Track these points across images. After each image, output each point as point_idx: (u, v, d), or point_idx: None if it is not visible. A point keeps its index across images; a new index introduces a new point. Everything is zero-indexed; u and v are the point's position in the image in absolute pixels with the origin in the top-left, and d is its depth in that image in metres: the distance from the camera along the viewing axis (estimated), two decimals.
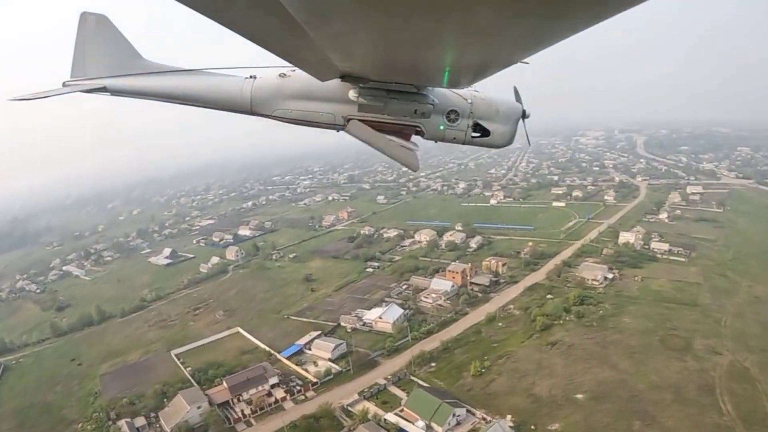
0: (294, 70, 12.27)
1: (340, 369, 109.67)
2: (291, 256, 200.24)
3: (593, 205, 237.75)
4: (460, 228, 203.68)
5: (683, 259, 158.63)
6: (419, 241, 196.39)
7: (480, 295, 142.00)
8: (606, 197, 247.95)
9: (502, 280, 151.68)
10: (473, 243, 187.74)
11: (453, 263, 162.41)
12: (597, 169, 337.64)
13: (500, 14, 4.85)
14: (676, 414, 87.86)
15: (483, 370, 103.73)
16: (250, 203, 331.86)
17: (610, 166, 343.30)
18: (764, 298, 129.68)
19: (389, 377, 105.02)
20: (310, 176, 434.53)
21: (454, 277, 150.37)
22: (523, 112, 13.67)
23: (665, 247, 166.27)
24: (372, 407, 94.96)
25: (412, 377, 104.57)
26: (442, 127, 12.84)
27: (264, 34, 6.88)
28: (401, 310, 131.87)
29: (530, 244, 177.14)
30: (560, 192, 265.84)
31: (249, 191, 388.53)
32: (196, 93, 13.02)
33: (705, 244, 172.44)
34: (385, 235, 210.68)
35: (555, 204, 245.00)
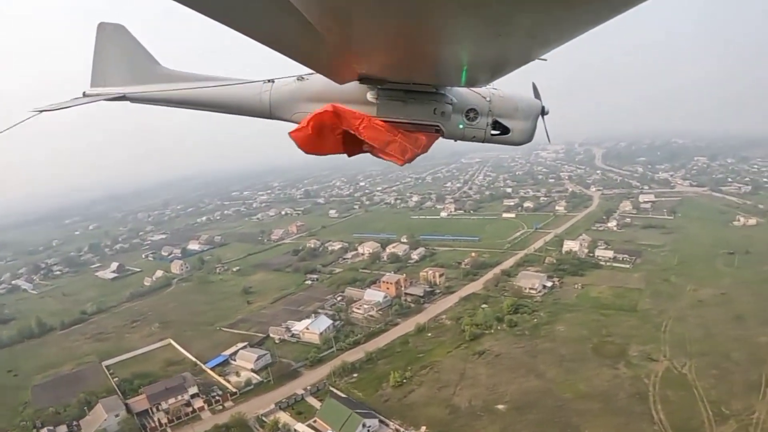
0: (312, 74, 12.07)
1: (260, 379, 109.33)
2: (235, 269, 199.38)
3: (543, 215, 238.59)
4: (404, 240, 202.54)
5: (627, 266, 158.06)
6: (362, 254, 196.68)
7: (413, 305, 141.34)
8: (557, 207, 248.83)
9: (437, 291, 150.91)
10: (415, 255, 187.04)
11: (387, 274, 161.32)
12: (552, 181, 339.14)
13: (516, 10, 4.88)
14: (603, 424, 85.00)
15: (404, 381, 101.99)
16: (204, 218, 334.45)
17: (566, 177, 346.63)
18: (708, 301, 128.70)
19: (308, 388, 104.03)
20: (269, 191, 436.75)
21: (388, 288, 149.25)
22: (542, 108, 13.37)
23: (610, 254, 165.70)
24: (286, 417, 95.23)
25: (330, 387, 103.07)
26: (461, 126, 12.62)
27: (280, 39, 6.84)
28: (330, 321, 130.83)
29: (473, 254, 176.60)
30: (512, 203, 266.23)
31: (206, 206, 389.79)
32: (215, 99, 13.17)
33: (651, 250, 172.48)
34: (330, 248, 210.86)
35: (505, 215, 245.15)
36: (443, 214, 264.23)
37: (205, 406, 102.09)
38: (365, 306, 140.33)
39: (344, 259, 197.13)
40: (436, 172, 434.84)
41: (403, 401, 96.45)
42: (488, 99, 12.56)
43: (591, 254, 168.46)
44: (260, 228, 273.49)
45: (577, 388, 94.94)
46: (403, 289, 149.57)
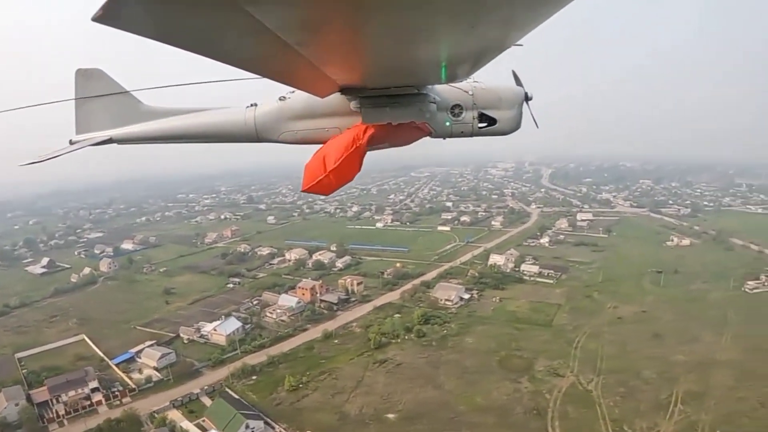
0: (293, 92, 12.23)
1: (161, 377, 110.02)
2: (162, 270, 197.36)
3: (478, 229, 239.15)
4: (333, 248, 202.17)
5: (551, 281, 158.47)
6: (288, 260, 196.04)
7: (326, 312, 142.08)
8: (493, 223, 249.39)
9: (353, 299, 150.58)
10: (340, 263, 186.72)
11: (304, 280, 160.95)
12: (495, 197, 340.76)
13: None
14: None
15: (299, 386, 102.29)
16: (144, 219, 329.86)
17: (509, 194, 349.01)
18: (628, 318, 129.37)
19: (205, 387, 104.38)
20: (214, 195, 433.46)
21: (303, 294, 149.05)
22: (526, 94, 13.22)
23: (535, 269, 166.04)
24: (178, 415, 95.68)
25: (226, 388, 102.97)
26: (448, 123, 12.59)
27: (258, 62, 6.94)
28: (239, 324, 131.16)
29: (397, 265, 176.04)
30: (449, 217, 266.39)
31: (149, 207, 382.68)
32: (201, 130, 13.25)
33: (579, 266, 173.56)
34: (259, 253, 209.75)
35: (440, 228, 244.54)
36: (379, 224, 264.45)
37: (103, 401, 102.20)
38: (278, 311, 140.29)
39: (270, 264, 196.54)
40: (383, 185, 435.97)
41: (295, 405, 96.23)
42: (471, 93, 12.57)
43: (516, 269, 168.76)
44: (197, 231, 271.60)
45: (473, 400, 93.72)
46: (318, 295, 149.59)
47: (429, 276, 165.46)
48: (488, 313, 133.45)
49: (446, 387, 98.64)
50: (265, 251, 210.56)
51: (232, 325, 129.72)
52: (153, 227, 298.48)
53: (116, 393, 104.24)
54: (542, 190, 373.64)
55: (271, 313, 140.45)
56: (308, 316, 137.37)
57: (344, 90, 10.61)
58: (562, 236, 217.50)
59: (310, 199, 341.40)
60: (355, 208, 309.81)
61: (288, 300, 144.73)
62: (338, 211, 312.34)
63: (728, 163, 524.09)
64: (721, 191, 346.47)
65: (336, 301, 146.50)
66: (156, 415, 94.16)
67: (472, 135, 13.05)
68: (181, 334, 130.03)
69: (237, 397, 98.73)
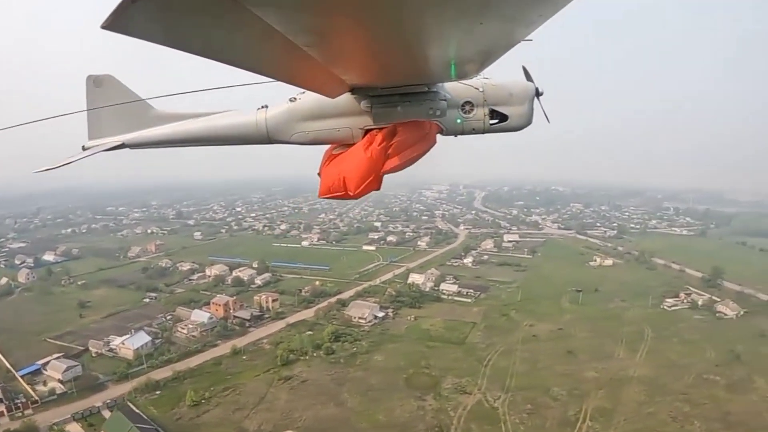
0: (303, 93, 12.19)
1: (65, 390, 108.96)
2: (80, 283, 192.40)
3: (404, 249, 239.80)
4: (255, 265, 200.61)
5: (469, 300, 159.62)
6: (208, 276, 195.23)
7: (238, 328, 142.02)
8: (419, 243, 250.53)
9: (267, 316, 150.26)
10: (259, 280, 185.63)
11: (218, 296, 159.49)
12: (426, 218, 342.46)
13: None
14: None
15: (201, 401, 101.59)
16: (70, 230, 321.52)
17: (439, 216, 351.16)
18: (543, 336, 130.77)
19: (107, 401, 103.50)
20: (144, 209, 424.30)
21: (216, 310, 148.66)
22: (536, 90, 13.07)
23: (454, 288, 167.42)
24: (77, 428, 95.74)
25: (128, 402, 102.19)
26: (459, 121, 12.43)
27: (267, 65, 7.07)
28: (148, 338, 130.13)
29: (317, 283, 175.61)
30: (376, 237, 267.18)
31: (77, 219, 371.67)
32: (212, 133, 13.21)
33: (499, 286, 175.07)
34: (180, 269, 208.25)
35: (365, 248, 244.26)
36: (305, 243, 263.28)
37: (5, 412, 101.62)
38: (190, 326, 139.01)
39: (190, 280, 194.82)
40: (315, 204, 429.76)
41: (195, 421, 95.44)
42: (481, 89, 12.43)
43: (436, 288, 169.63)
44: (121, 244, 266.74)
45: (375, 418, 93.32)
46: (231, 311, 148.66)
47: (347, 294, 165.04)
48: (401, 332, 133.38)
49: (349, 404, 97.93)
50: (186, 267, 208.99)
51: (141, 339, 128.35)
52: (78, 239, 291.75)
53: (18, 405, 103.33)
54: (473, 212, 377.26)
55: (182, 328, 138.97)
56: (219, 332, 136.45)
57: (354, 90, 10.87)
58: (486, 257, 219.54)
59: (239, 216, 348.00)
60: (283, 226, 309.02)
61: (201, 315, 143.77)
62: (266, 228, 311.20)
63: (658, 188, 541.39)
64: (649, 214, 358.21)
65: (249, 318, 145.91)
66: (55, 428, 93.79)
67: (483, 132, 12.92)
68: (90, 348, 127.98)
69: (137, 411, 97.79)
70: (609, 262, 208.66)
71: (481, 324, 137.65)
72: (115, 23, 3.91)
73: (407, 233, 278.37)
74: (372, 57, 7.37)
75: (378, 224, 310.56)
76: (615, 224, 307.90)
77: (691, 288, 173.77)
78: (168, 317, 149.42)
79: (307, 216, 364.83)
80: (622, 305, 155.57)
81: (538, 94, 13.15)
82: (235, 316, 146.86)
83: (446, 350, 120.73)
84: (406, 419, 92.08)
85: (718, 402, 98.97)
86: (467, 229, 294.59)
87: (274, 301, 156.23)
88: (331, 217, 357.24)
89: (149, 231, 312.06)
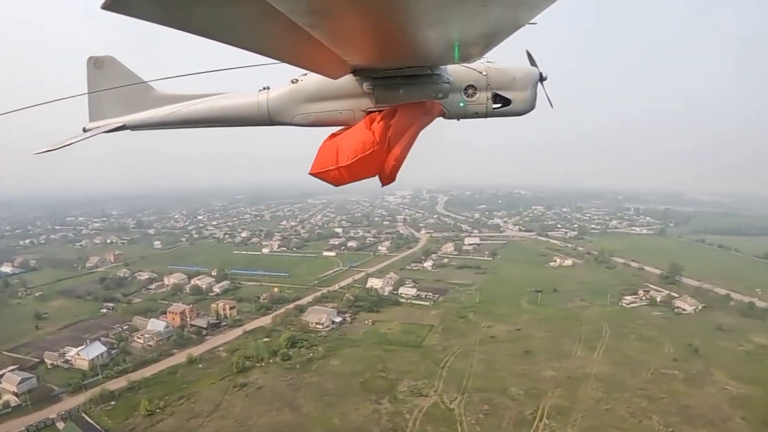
0: (305, 74, 12.26)
1: (20, 402, 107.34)
2: (37, 294, 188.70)
3: (364, 254, 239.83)
4: (213, 273, 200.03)
5: (428, 303, 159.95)
6: (166, 285, 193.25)
7: (195, 336, 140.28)
8: (380, 248, 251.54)
9: (224, 323, 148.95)
10: (218, 288, 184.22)
11: (175, 305, 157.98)
12: (387, 223, 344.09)
13: None
14: None
15: (156, 410, 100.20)
16: (28, 241, 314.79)
17: (401, 220, 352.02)
18: (501, 337, 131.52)
19: (61, 413, 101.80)
20: (104, 219, 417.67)
21: (173, 319, 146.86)
22: (540, 74, 13.13)
23: (413, 292, 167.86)
24: None
25: (83, 414, 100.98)
26: (461, 104, 12.53)
27: (269, 45, 7.13)
28: (103, 349, 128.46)
29: (275, 289, 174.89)
30: (336, 243, 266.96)
31: (35, 229, 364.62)
32: (214, 114, 13.22)
33: (458, 288, 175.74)
34: (138, 278, 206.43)
35: (326, 254, 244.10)
36: (265, 250, 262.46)
37: None
38: (146, 335, 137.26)
39: (148, 289, 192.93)
40: (277, 211, 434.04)
41: (149, 430, 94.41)
42: (484, 73, 12.48)
43: (394, 292, 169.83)
44: (79, 255, 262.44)
45: (330, 422, 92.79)
46: (188, 319, 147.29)
47: (305, 300, 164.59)
48: (358, 336, 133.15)
49: (304, 410, 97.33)
50: (144, 276, 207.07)
51: (97, 349, 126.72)
52: (36, 250, 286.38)
53: None
54: (435, 216, 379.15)
55: (139, 338, 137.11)
56: (176, 341, 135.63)
57: (357, 71, 10.89)
58: (446, 260, 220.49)
59: (201, 225, 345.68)
60: (244, 234, 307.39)
61: (157, 325, 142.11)
62: (227, 236, 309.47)
63: (619, 190, 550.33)
64: (610, 215, 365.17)
65: (206, 326, 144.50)
66: None
67: (486, 116, 13.01)
68: (46, 359, 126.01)
69: (91, 422, 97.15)
70: (569, 262, 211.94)
71: (439, 327, 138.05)
72: (115, 3, 4.03)
73: (368, 238, 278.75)
74: (375, 38, 7.40)
75: (339, 230, 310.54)
76: (576, 225, 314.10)
77: (649, 285, 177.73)
78: (125, 327, 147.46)
79: (268, 223, 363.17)
80: (581, 304, 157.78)
81: (541, 78, 13.27)
82: (191, 325, 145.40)
83: (403, 353, 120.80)
84: (361, 423, 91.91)
85: (677, 396, 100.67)
86: (429, 233, 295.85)
87: (231, 308, 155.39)
88: (292, 223, 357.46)
89: (108, 241, 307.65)
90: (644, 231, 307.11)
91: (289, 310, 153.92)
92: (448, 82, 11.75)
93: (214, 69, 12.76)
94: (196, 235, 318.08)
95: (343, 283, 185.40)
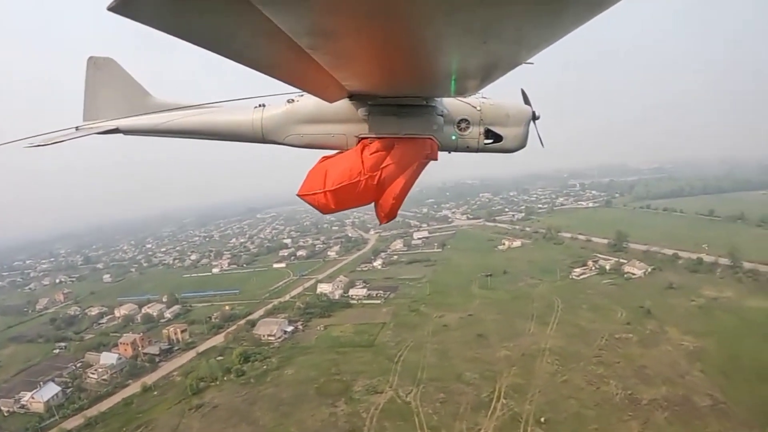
0: (302, 95, 12.19)
1: None
2: None
3: (314, 262, 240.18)
4: (164, 300, 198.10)
5: (379, 302, 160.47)
6: (117, 317, 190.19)
7: (148, 364, 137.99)
8: (329, 253, 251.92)
9: (176, 348, 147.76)
10: (169, 313, 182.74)
11: (125, 335, 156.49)
12: (336, 228, 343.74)
13: (502, 16, 5.07)
14: None
15: None
16: None
17: (349, 224, 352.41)
18: (453, 325, 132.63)
19: None
20: (52, 259, 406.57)
21: (125, 350, 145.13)
22: (533, 113, 13.35)
23: (363, 292, 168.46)
24: None
25: None
26: (454, 137, 12.58)
27: (269, 63, 7.12)
28: (57, 389, 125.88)
29: (226, 307, 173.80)
30: (286, 253, 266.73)
31: None
32: (207, 127, 13.16)
33: (409, 283, 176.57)
34: (89, 314, 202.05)
35: (276, 266, 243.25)
36: (215, 270, 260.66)
37: None
38: (99, 370, 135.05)
39: (99, 324, 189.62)
40: (226, 230, 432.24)
41: None
42: (478, 108, 12.53)
43: (345, 294, 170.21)
44: (29, 298, 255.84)
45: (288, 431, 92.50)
46: (140, 348, 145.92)
47: (257, 314, 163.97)
48: (311, 343, 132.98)
49: (261, 422, 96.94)
50: (94, 311, 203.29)
51: (51, 390, 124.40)
52: None
53: None
54: None
55: (93, 373, 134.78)
56: (129, 371, 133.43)
57: (353, 97, 10.91)
58: (395, 257, 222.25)
59: (150, 253, 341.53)
60: (193, 257, 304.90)
61: (109, 358, 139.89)
62: (177, 261, 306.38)
63: (563, 168, 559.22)
64: (556, 193, 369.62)
65: (158, 353, 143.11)
66: None
67: (477, 150, 13.02)
68: (1, 407, 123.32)
69: None
70: (517, 243, 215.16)
71: (391, 323, 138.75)
72: (121, 6, 4.00)
73: (318, 245, 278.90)
74: (374, 64, 7.41)
75: (288, 241, 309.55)
76: (523, 207, 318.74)
77: (598, 255, 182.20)
78: (78, 365, 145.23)
79: (218, 243, 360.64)
80: (532, 282, 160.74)
81: (534, 117, 13.40)
82: (144, 353, 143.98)
83: (357, 354, 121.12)
84: (318, 428, 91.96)
85: (632, 358, 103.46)
86: (377, 232, 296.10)
87: (182, 331, 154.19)
88: (242, 240, 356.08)
89: (57, 281, 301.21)
90: (590, 204, 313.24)
91: (241, 326, 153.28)
92: (442, 115, 11.95)
93: (214, 102, 13.25)
94: (145, 264, 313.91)
95: (294, 293, 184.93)
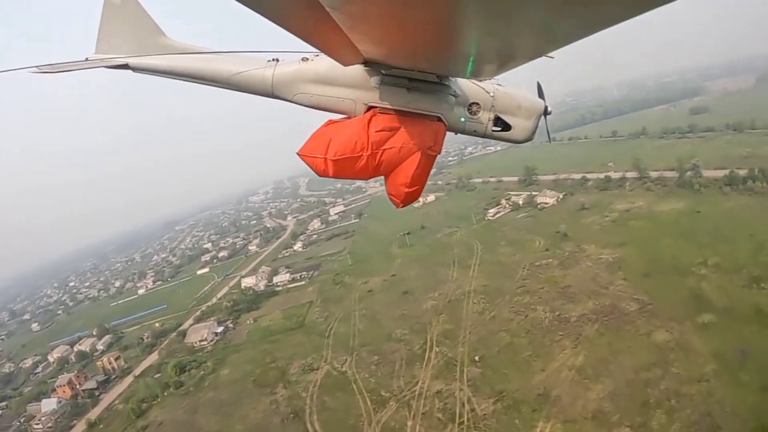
0: (317, 55, 11.68)
1: None
2: None
3: (237, 260, 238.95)
4: (94, 333, 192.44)
5: (303, 283, 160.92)
6: (52, 362, 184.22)
7: (89, 400, 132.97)
8: (250, 247, 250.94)
9: (113, 376, 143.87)
10: (101, 345, 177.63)
11: (60, 377, 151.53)
12: (255, 222, 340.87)
13: (534, 2, 4.81)
14: None
15: None
16: None
17: (266, 215, 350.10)
18: (377, 288, 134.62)
19: None
20: None
21: (63, 392, 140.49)
22: (545, 108, 12.88)
23: (287, 277, 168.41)
24: None
25: None
26: (463, 119, 12.15)
27: (286, 15, 6.81)
28: None
29: (156, 324, 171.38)
30: (208, 258, 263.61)
31: None
32: (217, 74, 12.55)
33: (330, 258, 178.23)
34: (24, 367, 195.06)
35: (200, 272, 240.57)
36: (141, 291, 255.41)
37: None
38: (43, 419, 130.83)
39: (35, 374, 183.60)
40: (146, 249, 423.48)
41: None
42: (492, 94, 12.16)
43: (270, 284, 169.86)
44: None
45: (234, 429, 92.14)
46: (78, 387, 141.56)
47: (186, 324, 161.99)
48: (243, 339, 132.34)
49: (205, 428, 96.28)
50: (28, 363, 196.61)
51: None
52: None
53: None
54: (299, 200, 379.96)
55: (37, 423, 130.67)
56: (72, 412, 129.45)
57: (367, 63, 10.63)
58: (315, 236, 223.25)
59: (74, 291, 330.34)
60: (117, 283, 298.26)
61: (50, 404, 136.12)
62: (102, 292, 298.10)
63: None
64: (464, 144, 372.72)
65: (96, 386, 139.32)
66: None
67: (484, 136, 12.71)
68: None
69: None
70: (431, 198, 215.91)
71: (318, 300, 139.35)
72: None
73: (238, 243, 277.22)
74: (393, 33, 7.23)
75: (209, 245, 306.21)
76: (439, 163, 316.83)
77: (510, 193, 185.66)
78: (21, 419, 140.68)
79: (140, 264, 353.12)
80: (449, 231, 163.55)
81: (546, 112, 13.02)
82: (83, 390, 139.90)
83: (288, 338, 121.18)
84: (261, 419, 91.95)
85: (556, 281, 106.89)
86: (295, 217, 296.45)
87: (116, 359, 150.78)
88: (163, 255, 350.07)
89: None
90: (498, 148, 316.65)
91: (173, 339, 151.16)
92: (455, 95, 11.64)
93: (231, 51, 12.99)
94: (71, 303, 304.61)
95: (220, 294, 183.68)
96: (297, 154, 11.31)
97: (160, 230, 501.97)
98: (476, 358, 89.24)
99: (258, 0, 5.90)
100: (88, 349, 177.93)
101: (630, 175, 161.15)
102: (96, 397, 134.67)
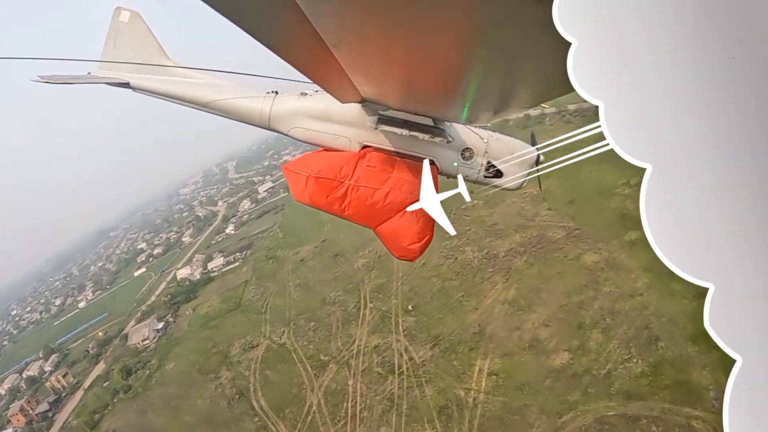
0: (316, 91, 11.96)
1: None
2: None
3: (172, 254, 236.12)
4: (41, 355, 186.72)
5: (238, 264, 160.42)
6: (3, 394, 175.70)
7: (44, 423, 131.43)
8: (184, 239, 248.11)
9: (64, 394, 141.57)
10: (49, 366, 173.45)
11: (12, 406, 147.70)
12: (186, 213, 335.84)
13: (533, 55, 5.15)
14: None
15: None
16: None
17: (197, 204, 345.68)
18: (309, 257, 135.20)
19: None
20: None
21: (17, 420, 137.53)
22: (538, 157, 12.98)
23: (221, 261, 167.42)
24: None
25: None
26: (455, 164, 12.37)
27: (289, 49, 6.94)
28: None
29: (100, 334, 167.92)
30: (143, 258, 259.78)
31: None
32: (215, 103, 12.63)
33: (262, 236, 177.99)
34: None
35: (137, 273, 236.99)
36: (81, 304, 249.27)
37: None
38: None
39: None
40: (84, 261, 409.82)
41: None
42: (485, 140, 12.40)
43: (205, 271, 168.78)
44: None
45: (183, 422, 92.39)
46: (31, 412, 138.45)
47: (129, 327, 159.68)
48: (184, 330, 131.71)
49: (157, 426, 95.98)
50: None
51: None
52: None
53: None
54: (228, 184, 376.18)
55: None
56: None
57: (365, 103, 10.62)
58: (245, 216, 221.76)
59: (17, 319, 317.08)
60: (57, 302, 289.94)
61: None
62: (43, 314, 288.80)
63: None
64: None
65: (48, 408, 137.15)
66: None
67: (475, 182, 12.69)
68: None
69: None
70: None
71: (252, 278, 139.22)
72: None
73: (171, 237, 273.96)
74: (391, 75, 7.43)
75: (143, 245, 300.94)
76: None
77: None
78: None
79: (78, 277, 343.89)
80: None
81: (538, 161, 12.98)
82: (36, 415, 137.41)
83: (227, 321, 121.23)
84: (209, 405, 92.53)
85: (482, 221, 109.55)
86: (225, 201, 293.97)
87: (64, 376, 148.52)
88: (99, 264, 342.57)
89: None
90: None
91: (117, 344, 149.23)
92: (448, 140, 11.53)
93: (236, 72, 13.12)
94: (15, 332, 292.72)
95: (158, 291, 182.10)
96: (282, 168, 12.18)
97: (95, 240, 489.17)
98: (410, 307, 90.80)
99: (264, 33, 6.01)
100: (36, 373, 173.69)
101: (549, 111, 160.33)
102: (50, 419, 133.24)
